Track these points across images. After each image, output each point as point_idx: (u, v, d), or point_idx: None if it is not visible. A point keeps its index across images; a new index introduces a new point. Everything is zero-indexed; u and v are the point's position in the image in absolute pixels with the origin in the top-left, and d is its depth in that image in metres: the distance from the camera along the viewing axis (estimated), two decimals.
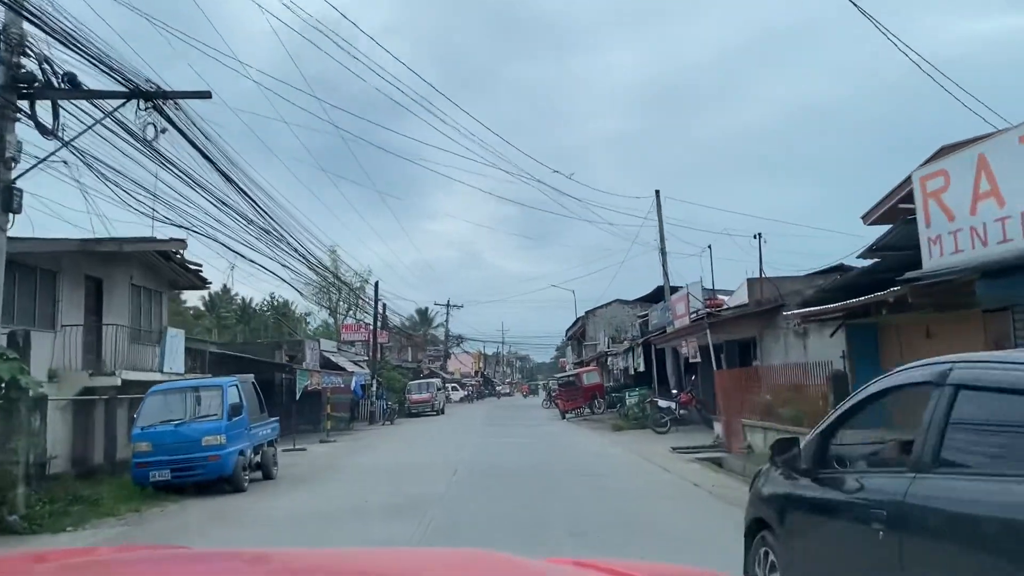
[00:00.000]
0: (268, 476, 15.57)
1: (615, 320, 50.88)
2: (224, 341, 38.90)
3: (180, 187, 16.21)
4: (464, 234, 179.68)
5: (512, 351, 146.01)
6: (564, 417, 35.75)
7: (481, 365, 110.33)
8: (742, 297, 26.68)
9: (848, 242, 58.87)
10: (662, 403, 24.61)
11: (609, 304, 52.23)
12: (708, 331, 19.69)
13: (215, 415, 13.42)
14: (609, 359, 38.31)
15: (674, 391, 25.66)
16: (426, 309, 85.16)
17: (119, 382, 17.11)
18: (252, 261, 21.00)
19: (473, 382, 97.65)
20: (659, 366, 27.89)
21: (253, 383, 16.00)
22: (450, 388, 77.25)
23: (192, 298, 59.98)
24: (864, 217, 19.39)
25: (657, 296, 44.51)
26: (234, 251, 16.06)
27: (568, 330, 63.70)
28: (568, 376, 40.26)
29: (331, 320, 50.11)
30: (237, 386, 14.45)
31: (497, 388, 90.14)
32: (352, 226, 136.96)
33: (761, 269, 22.95)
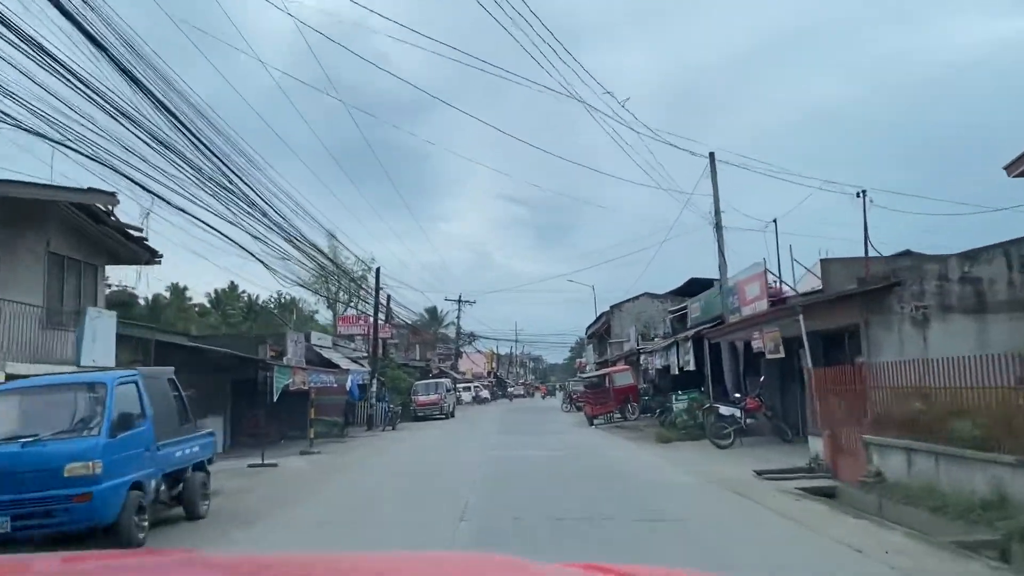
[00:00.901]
0: (193, 515, 10.74)
1: (643, 315, 45.94)
2: (205, 335, 34.24)
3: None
4: (477, 234, 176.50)
5: (525, 351, 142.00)
6: (592, 423, 30.85)
7: (494, 365, 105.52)
8: (812, 284, 21.79)
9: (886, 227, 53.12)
10: (724, 410, 19.67)
11: (637, 298, 47.29)
12: (802, 318, 14.74)
13: (88, 429, 8.63)
14: (642, 358, 33.34)
15: (736, 395, 20.71)
16: (435, 308, 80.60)
17: (1, 376, 12.43)
18: (201, 222, 16.15)
19: (486, 383, 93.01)
20: (713, 364, 22.92)
21: (171, 379, 11.16)
22: (461, 389, 72.62)
23: (198, 295, 55.91)
24: (1008, 168, 15.27)
25: (691, 289, 39.51)
26: (152, 192, 11.26)
27: (589, 327, 58.74)
28: (595, 376, 35.29)
29: (332, 313, 45.44)
30: (136, 383, 9.61)
31: (509, 389, 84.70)
32: (366, 225, 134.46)
33: (867, 239, 17.99)
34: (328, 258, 31.57)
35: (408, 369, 46.59)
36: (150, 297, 48.88)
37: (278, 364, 22.66)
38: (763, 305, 18.20)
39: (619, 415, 30.94)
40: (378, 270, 35.20)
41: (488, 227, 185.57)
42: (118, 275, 24.93)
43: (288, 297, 58.87)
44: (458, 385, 76.04)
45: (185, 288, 54.33)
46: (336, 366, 30.11)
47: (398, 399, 41.41)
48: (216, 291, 58.71)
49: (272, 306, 63.91)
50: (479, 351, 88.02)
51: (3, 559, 1.74)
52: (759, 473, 14.15)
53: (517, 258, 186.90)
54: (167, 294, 52.75)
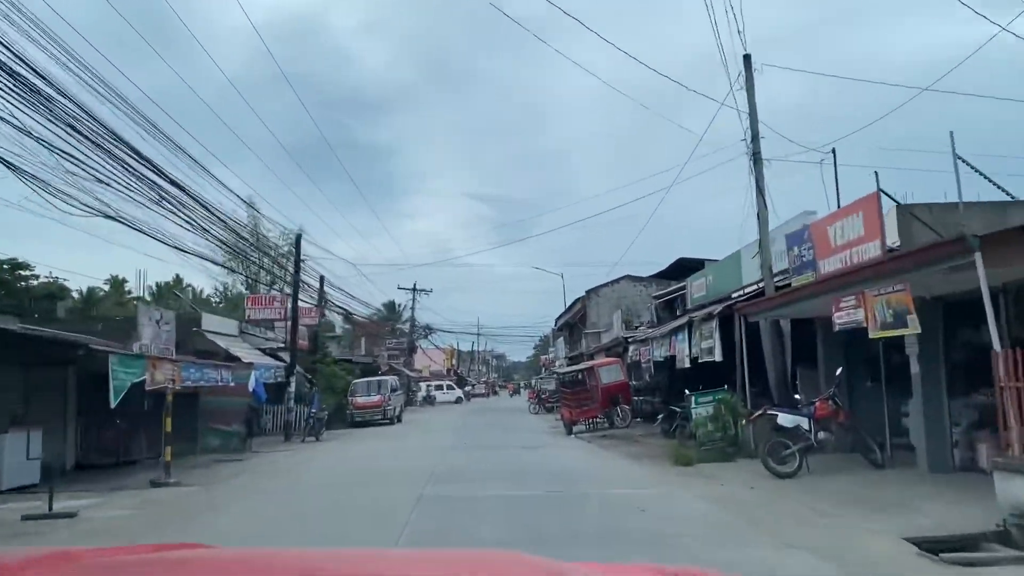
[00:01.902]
0: None
1: (624, 300, 39.47)
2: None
3: None
4: (442, 232, 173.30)
5: (488, 348, 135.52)
6: (571, 432, 24.08)
7: (454, 362, 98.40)
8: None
9: None
10: (785, 419, 12.99)
11: (617, 281, 40.77)
12: (979, 260, 8.07)
13: None
14: (631, 348, 26.66)
15: (797, 397, 14.03)
16: (393, 302, 73.14)
17: None
18: None
19: (446, 382, 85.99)
20: (749, 353, 16.23)
21: None
22: (433, 388, 65.73)
23: (138, 288, 48.64)
24: None
25: (679, 272, 33.15)
26: None
27: (560, 317, 52.09)
28: (574, 372, 28.41)
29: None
30: None
31: (467, 388, 77.10)
32: (329, 222, 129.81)
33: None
34: (239, 236, 24.26)
35: (348, 365, 39.35)
36: (84, 290, 42.70)
37: (119, 352, 15.36)
38: (872, 250, 11.59)
39: (605, 420, 24.20)
40: (299, 238, 27.96)
41: (453, 225, 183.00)
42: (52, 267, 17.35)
43: (235, 290, 52.06)
44: (429, 384, 69.24)
45: (125, 280, 48.10)
46: (236, 359, 22.85)
47: (332, 401, 34.23)
48: (157, 284, 52.94)
49: (217, 300, 56.97)
50: (437, 347, 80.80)
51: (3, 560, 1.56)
52: (920, 546, 7.46)
53: (482, 255, 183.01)
54: (106, 287, 46.55)
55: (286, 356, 29.49)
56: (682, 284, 30.82)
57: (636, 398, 25.26)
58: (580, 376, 26.61)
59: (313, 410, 31.13)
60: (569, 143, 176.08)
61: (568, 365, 47.82)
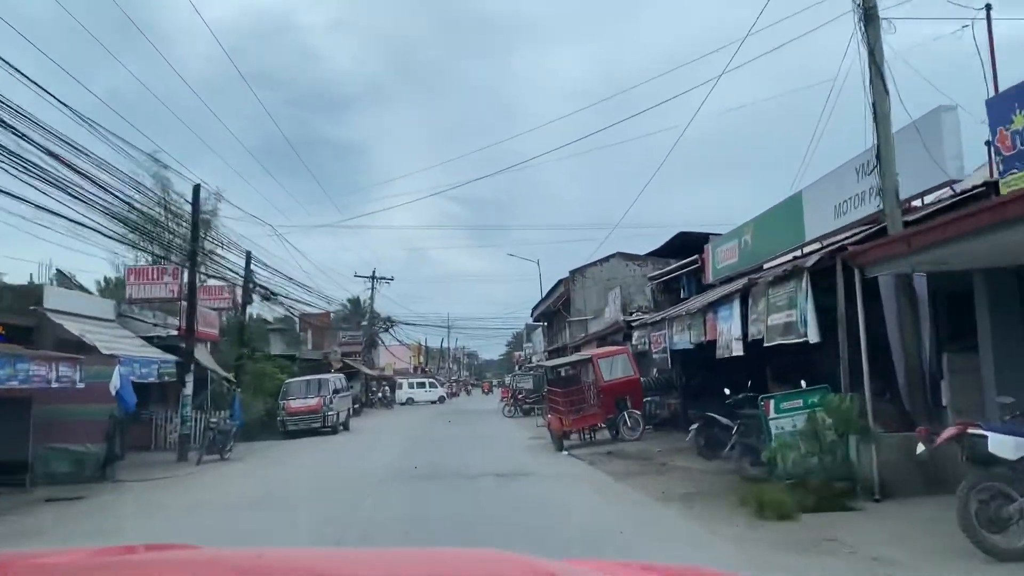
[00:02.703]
0: None
1: (614, 282, 33.24)
2: None
3: None
4: (411, 231, 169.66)
5: (460, 346, 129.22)
6: (562, 447, 17.72)
7: (421, 359, 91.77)
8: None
9: None
10: (1006, 444, 6.71)
11: (607, 259, 34.53)
12: None
13: None
14: (636, 335, 20.39)
15: (1004, 399, 7.77)
16: (359, 299, 66.10)
17: None
18: None
19: (428, 380, 79.39)
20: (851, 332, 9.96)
21: None
22: (415, 386, 61.29)
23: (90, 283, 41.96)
24: None
25: (679, 249, 27.22)
26: None
27: (537, 306, 45.82)
28: (566, 366, 21.80)
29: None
30: None
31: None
32: (297, 219, 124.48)
33: None
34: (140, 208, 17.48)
35: (286, 363, 32.67)
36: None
37: None
38: None
39: (608, 430, 17.92)
40: (196, 189, 21.15)
41: (423, 224, 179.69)
42: None
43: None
44: (411, 383, 63.64)
45: (71, 276, 41.31)
46: (93, 349, 16.12)
47: (261, 405, 27.61)
48: (106, 278, 46.25)
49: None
50: (402, 343, 73.98)
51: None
52: None
53: (452, 254, 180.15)
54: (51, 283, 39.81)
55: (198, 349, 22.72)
56: (687, 260, 24.86)
57: (649, 400, 19.04)
58: (573, 371, 20.28)
59: (229, 419, 24.67)
60: (538, 143, 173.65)
61: (549, 358, 41.65)
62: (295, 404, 27.20)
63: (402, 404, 57.87)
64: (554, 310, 37.81)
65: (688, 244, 27.78)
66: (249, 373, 28.87)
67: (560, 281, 34.65)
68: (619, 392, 17.50)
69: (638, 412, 17.53)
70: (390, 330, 59.56)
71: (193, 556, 1.74)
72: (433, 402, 57.07)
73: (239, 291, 26.66)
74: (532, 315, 49.22)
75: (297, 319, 43.55)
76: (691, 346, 16.07)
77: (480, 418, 35.52)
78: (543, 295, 45.65)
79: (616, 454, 16.00)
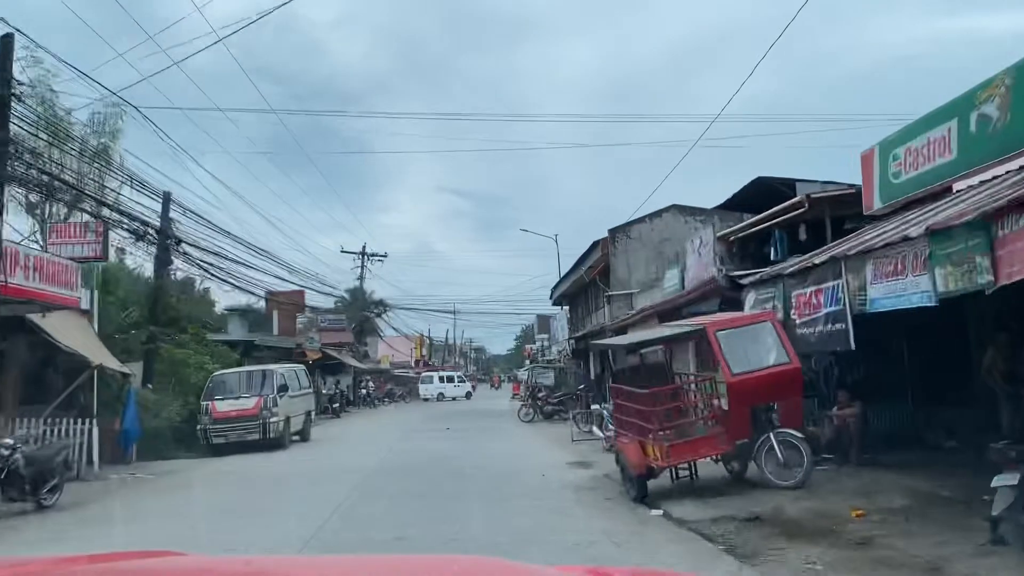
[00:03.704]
0: None
1: (667, 243, 24.92)
2: None
3: None
4: (419, 226, 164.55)
5: (466, 339, 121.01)
6: (644, 495, 9.26)
7: (423, 353, 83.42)
8: None
9: None
10: None
11: (658, 215, 26.01)
12: None
13: None
14: (751, 298, 11.83)
15: None
16: (361, 289, 57.50)
17: None
18: None
19: (456, 374, 71.19)
20: None
21: None
22: (438, 380, 57.37)
23: None
24: None
25: (757, 199, 19.07)
26: None
27: (557, 286, 37.37)
28: (650, 345, 12.20)
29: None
30: None
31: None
32: (307, 216, 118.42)
33: None
34: None
35: (221, 347, 24.33)
36: None
37: None
38: None
39: (734, 462, 9.49)
40: (5, 39, 12.78)
41: (430, 219, 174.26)
42: None
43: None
44: (436, 375, 59.67)
45: None
46: None
47: (180, 406, 19.36)
48: None
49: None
50: (402, 334, 65.40)
51: None
52: None
53: (459, 249, 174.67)
54: None
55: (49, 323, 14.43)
56: (778, 209, 16.74)
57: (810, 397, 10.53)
58: (658, 357, 11.49)
59: (121, 425, 17.02)
60: (545, 136, 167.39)
61: (579, 345, 33.14)
62: (223, 406, 18.84)
63: (426, 400, 52.25)
64: (584, 284, 29.37)
65: (769, 193, 19.67)
66: (167, 363, 20.62)
67: (595, 244, 26.19)
68: (760, 395, 9.00)
69: (797, 433, 9.01)
70: (384, 316, 51.09)
71: (182, 564, 1.75)
72: (455, 398, 52.95)
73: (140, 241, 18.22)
74: (552, 297, 40.72)
75: (269, 302, 35.19)
76: (933, 300, 7.62)
77: (489, 423, 27.16)
78: (563, 273, 37.33)
79: (771, 521, 7.60)
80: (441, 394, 54.00)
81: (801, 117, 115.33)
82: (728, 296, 13.37)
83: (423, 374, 63.67)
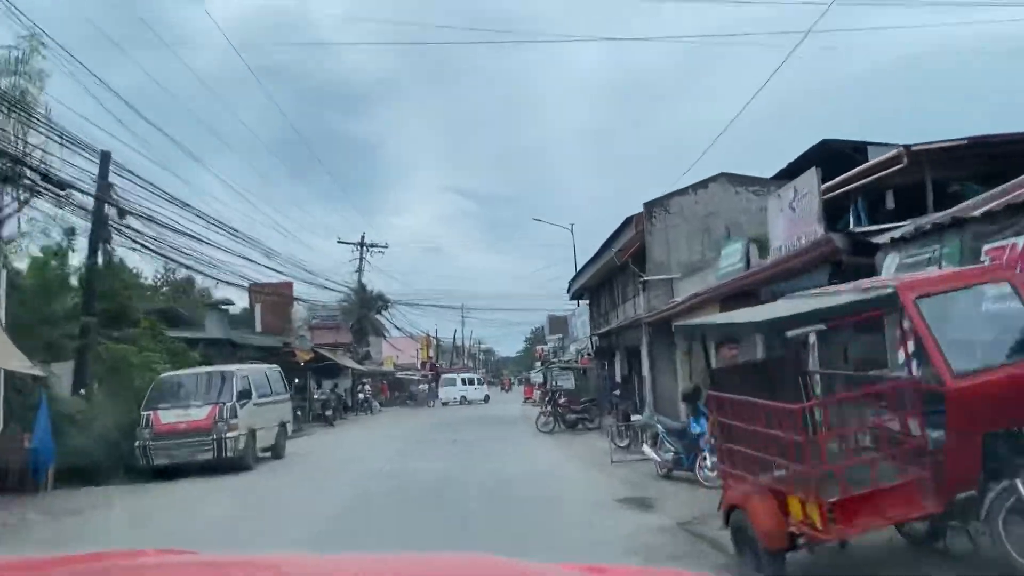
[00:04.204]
0: None
1: (714, 219, 20.96)
2: None
3: None
4: (427, 227, 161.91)
5: (474, 339, 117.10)
6: None
7: (430, 354, 79.39)
8: None
9: None
10: None
11: (704, 185, 21.94)
12: None
13: None
14: (888, 262, 7.81)
15: None
16: (364, 288, 53.58)
17: None
18: None
19: (418, 376, 67.21)
20: None
21: None
22: (460, 381, 54.32)
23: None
24: None
25: (821, 163, 14.82)
26: None
27: (576, 279, 33.38)
28: (799, 319, 7.47)
29: None
30: None
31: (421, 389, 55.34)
32: (309, 218, 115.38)
33: None
34: None
35: (179, 344, 20.40)
36: None
37: None
38: None
39: (940, 529, 5.47)
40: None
41: (437, 220, 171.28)
42: None
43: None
44: (459, 377, 57.26)
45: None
46: None
47: (115, 418, 15.42)
48: None
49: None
50: (407, 334, 61.31)
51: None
52: None
53: (468, 249, 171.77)
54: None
55: None
56: (860, 170, 13.03)
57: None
58: (791, 350, 7.03)
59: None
60: (554, 138, 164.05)
61: (601, 342, 29.05)
62: (168, 417, 14.85)
63: (445, 404, 48.40)
64: (612, 270, 25.27)
65: (835, 158, 15.87)
66: (107, 363, 16.74)
67: (628, 221, 22.12)
68: (1004, 412, 5.00)
69: None
70: (385, 312, 47.12)
71: (187, 561, 1.75)
72: (471, 402, 49.87)
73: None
74: (569, 291, 36.71)
75: (251, 293, 31.27)
76: None
77: (501, 433, 23.17)
78: (579, 266, 33.30)
79: None
80: (464, 397, 50.50)
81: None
82: (848, 264, 9.31)
83: (443, 376, 60.38)
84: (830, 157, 18.08)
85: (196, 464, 14.65)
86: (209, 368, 16.47)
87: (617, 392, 18.84)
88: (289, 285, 31.37)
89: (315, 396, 32.61)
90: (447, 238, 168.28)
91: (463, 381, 55.61)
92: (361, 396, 37.84)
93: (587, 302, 33.65)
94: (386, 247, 42.60)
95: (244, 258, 27.08)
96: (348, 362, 39.93)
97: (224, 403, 15.09)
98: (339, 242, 41.04)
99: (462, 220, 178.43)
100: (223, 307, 30.34)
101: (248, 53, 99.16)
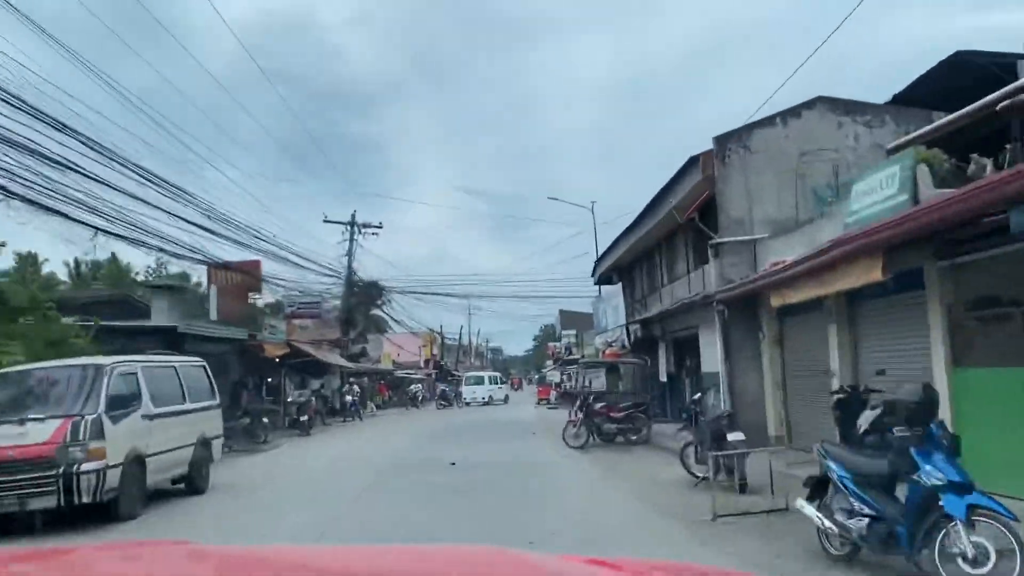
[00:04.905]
0: None
1: (810, 159, 15.04)
2: None
3: None
4: (434, 227, 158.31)
5: (482, 338, 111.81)
6: None
7: (434, 352, 73.71)
8: None
9: None
10: None
11: (796, 113, 16.06)
12: None
13: None
14: None
15: None
16: (349, 266, 48.07)
17: None
18: None
19: (420, 375, 61.74)
20: None
21: None
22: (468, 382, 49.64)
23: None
24: None
25: (951, 82, 8.70)
26: None
27: (604, 257, 27.67)
28: None
29: None
30: None
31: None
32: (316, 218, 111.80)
33: None
34: None
35: (79, 328, 14.76)
36: None
37: None
38: None
39: None
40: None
41: (445, 220, 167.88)
42: None
43: None
44: (487, 375, 54.42)
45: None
46: None
47: None
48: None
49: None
50: (409, 329, 55.42)
51: None
52: None
53: (475, 251, 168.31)
54: None
55: None
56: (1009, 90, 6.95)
57: None
58: None
59: None
60: (560, 137, 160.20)
61: (644, 329, 23.21)
62: None
63: (467, 404, 44.74)
64: (663, 237, 19.47)
65: (974, 76, 10.53)
66: None
67: (692, 163, 15.94)
68: None
69: None
70: (381, 303, 41.38)
71: (184, 551, 1.73)
72: (500, 401, 46.62)
73: None
74: (594, 274, 30.98)
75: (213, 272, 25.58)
76: None
77: (517, 448, 17.51)
78: (598, 253, 27.57)
79: None
80: (491, 397, 46.84)
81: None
82: None
83: (467, 374, 57.63)
84: (966, 76, 12.72)
85: (32, 514, 9.02)
86: (69, 362, 10.73)
87: (699, 396, 13.05)
88: (256, 264, 25.71)
89: (289, 399, 27.03)
90: (456, 236, 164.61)
91: (490, 380, 51.84)
92: (349, 399, 32.12)
93: (617, 285, 27.82)
94: (380, 227, 36.92)
95: (200, 228, 21.54)
96: (336, 359, 34.30)
97: (83, 416, 9.41)
98: (325, 221, 35.39)
99: (471, 219, 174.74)
100: (178, 289, 24.68)
101: (258, 55, 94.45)
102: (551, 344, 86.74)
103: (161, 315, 23.03)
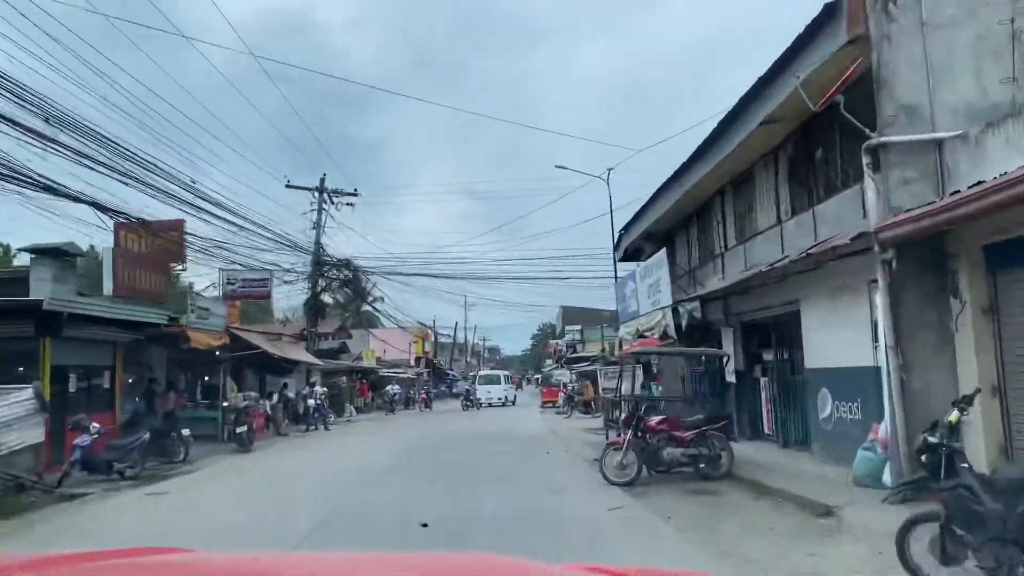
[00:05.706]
0: None
1: None
2: None
3: None
4: (432, 228, 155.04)
5: (479, 336, 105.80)
6: None
7: (426, 349, 67.24)
8: None
9: None
10: None
11: None
12: None
13: None
14: None
15: None
16: (317, 241, 41.43)
17: None
18: None
19: (410, 375, 55.54)
20: None
21: None
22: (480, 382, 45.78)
23: None
24: None
25: None
26: None
27: (630, 225, 21.42)
28: None
29: None
30: None
31: (389, 392, 42.85)
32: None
33: None
34: None
35: None
36: None
37: None
38: None
39: None
40: None
41: (443, 221, 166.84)
42: None
43: None
44: (502, 374, 51.51)
45: None
46: None
47: None
48: None
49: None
50: (376, 310, 47.94)
51: None
52: None
53: (472, 252, 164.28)
54: None
55: None
56: None
57: None
58: None
59: None
60: (557, 139, 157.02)
61: (704, 307, 16.86)
62: None
63: (489, 405, 41.23)
64: (761, 157, 13.14)
65: None
66: None
67: (830, 11, 9.74)
68: None
69: None
70: (371, 300, 34.95)
71: (188, 560, 1.74)
72: (492, 404, 42.13)
73: None
74: (618, 247, 24.65)
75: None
76: None
77: (534, 494, 11.22)
78: (625, 221, 21.34)
79: None
80: (507, 398, 44.08)
81: None
82: None
83: (480, 373, 55.00)
84: None
85: None
86: None
87: (953, 421, 6.45)
88: (178, 224, 19.32)
89: (227, 403, 20.72)
90: (453, 237, 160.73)
91: (505, 379, 48.71)
92: (312, 403, 25.70)
93: (660, 253, 21.45)
94: (356, 194, 30.48)
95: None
96: (300, 354, 27.95)
97: None
98: (288, 186, 28.95)
99: (469, 220, 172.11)
100: (68, 255, 18.23)
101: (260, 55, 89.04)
102: (552, 341, 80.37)
103: (44, 289, 16.63)
